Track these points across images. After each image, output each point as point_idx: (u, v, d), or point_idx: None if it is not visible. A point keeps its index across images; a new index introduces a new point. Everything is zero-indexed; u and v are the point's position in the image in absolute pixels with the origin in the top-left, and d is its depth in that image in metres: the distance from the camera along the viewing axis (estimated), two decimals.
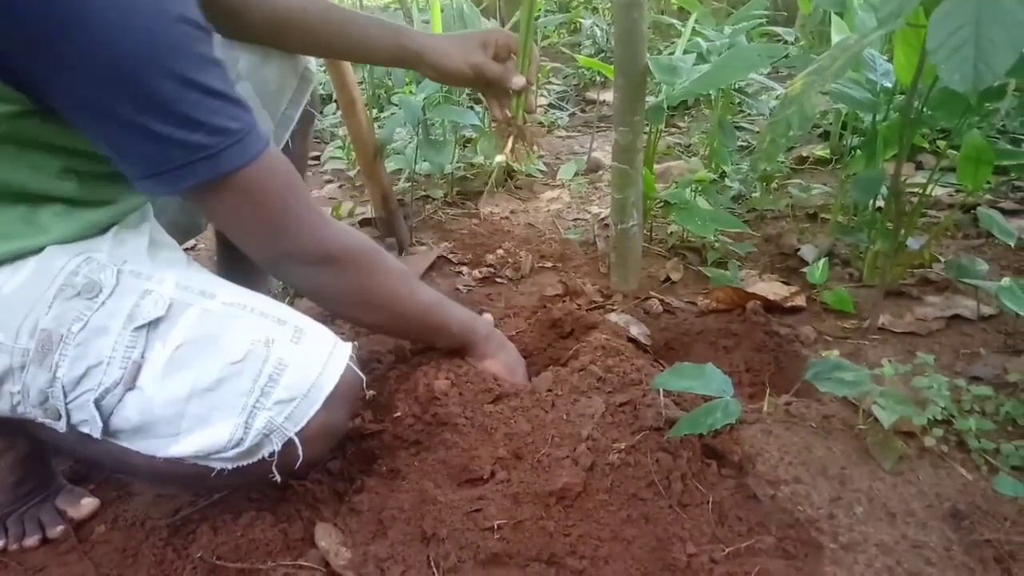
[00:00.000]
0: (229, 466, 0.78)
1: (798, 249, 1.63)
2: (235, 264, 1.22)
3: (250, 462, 0.78)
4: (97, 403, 0.74)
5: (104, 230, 0.80)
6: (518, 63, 1.03)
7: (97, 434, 0.75)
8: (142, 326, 0.75)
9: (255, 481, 0.83)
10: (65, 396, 0.74)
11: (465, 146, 2.33)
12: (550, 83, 3.31)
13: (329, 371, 0.79)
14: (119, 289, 0.76)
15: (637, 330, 1.27)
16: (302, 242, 0.83)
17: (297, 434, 0.77)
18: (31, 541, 0.88)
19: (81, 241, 0.78)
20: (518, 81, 1.02)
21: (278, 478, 0.79)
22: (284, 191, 0.79)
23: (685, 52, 1.71)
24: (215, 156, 0.71)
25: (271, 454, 0.77)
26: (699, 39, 1.92)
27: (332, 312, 0.98)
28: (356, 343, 0.86)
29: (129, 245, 0.81)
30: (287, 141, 1.15)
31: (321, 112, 3.06)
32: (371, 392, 1.10)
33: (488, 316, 1.23)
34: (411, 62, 1.04)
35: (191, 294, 0.79)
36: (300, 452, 0.77)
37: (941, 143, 1.91)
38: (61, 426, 0.76)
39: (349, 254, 0.88)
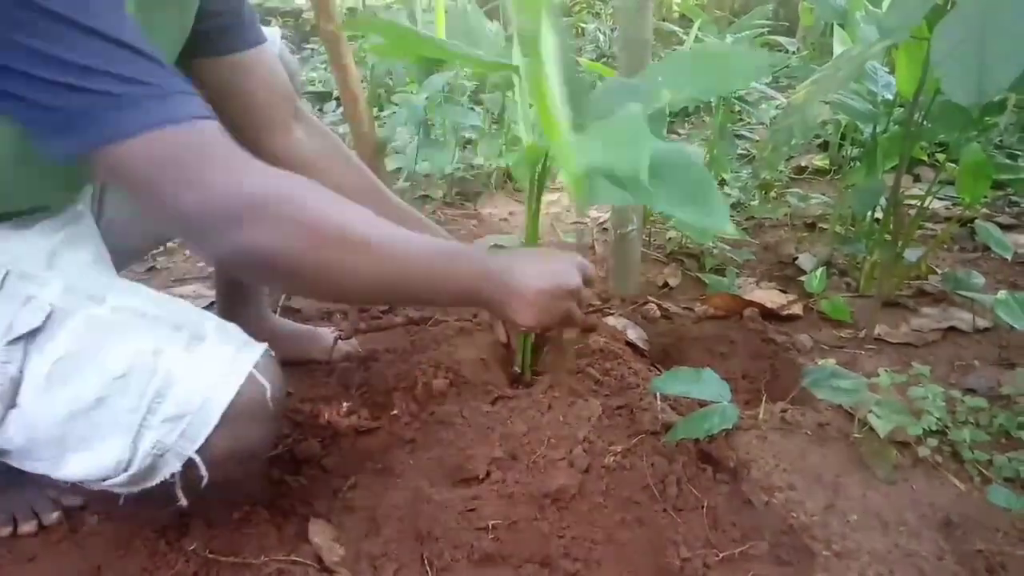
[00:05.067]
0: (125, 491, 0.72)
1: (796, 258, 1.64)
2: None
3: (149, 485, 0.71)
4: None
5: (31, 222, 0.75)
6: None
7: None
8: (18, 338, 0.68)
9: (163, 505, 0.74)
10: None
11: (465, 147, 2.33)
12: None
13: (226, 383, 0.70)
14: (1, 295, 0.69)
15: (635, 334, 1.27)
16: (221, 195, 0.65)
17: (198, 453, 0.69)
18: (27, 527, 0.87)
19: None
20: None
21: (183, 501, 0.72)
22: (206, 153, 0.65)
23: None
24: (126, 106, 0.60)
25: (172, 476, 0.70)
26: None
27: (287, 288, 0.83)
28: (272, 351, 0.75)
29: (35, 243, 0.74)
30: None
31: (322, 109, 3.07)
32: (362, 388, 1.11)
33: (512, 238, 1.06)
34: None
35: (77, 299, 0.71)
36: (203, 472, 0.70)
37: (940, 156, 1.92)
38: None
39: (280, 195, 0.68)
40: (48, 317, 0.70)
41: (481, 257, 0.83)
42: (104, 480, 0.71)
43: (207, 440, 0.70)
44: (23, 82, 0.59)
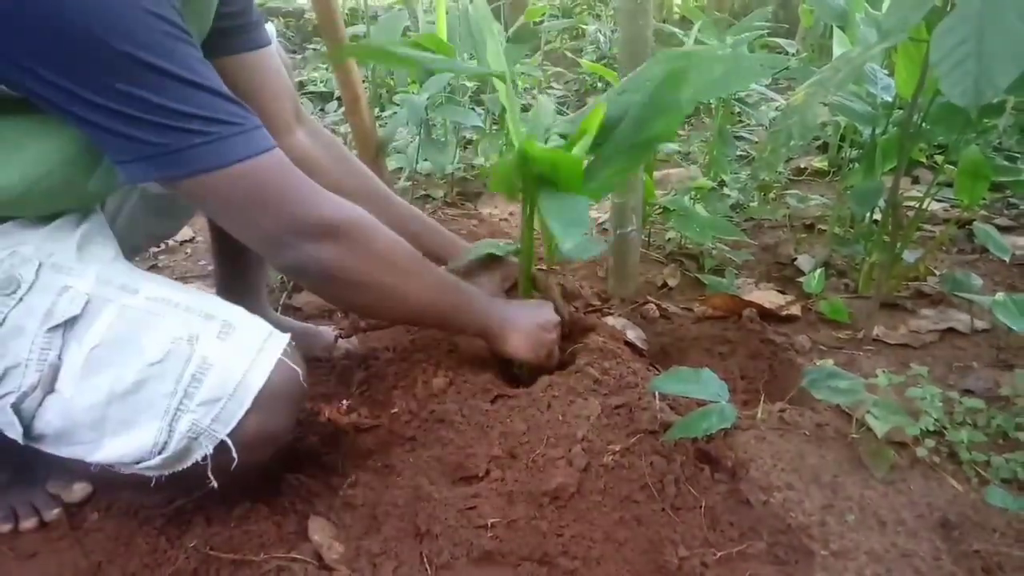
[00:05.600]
0: (157, 473, 0.74)
1: (795, 259, 1.64)
2: (232, 257, 1.22)
3: (181, 468, 0.74)
4: (16, 407, 0.71)
5: (48, 219, 0.78)
6: (520, 293, 1.09)
7: (19, 439, 0.72)
8: (57, 326, 0.71)
9: (195, 487, 0.78)
10: None
11: (466, 147, 2.34)
12: (551, 87, 3.33)
13: (258, 368, 0.74)
14: (38, 284, 0.73)
15: (634, 334, 1.27)
16: (299, 218, 0.78)
17: (230, 436, 0.73)
18: (28, 524, 0.88)
19: (8, 228, 0.75)
20: None
21: (214, 483, 0.74)
22: (285, 182, 0.77)
23: None
24: (214, 143, 0.70)
25: (204, 458, 0.73)
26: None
27: (335, 300, 0.94)
28: (292, 341, 0.79)
29: (60, 237, 0.78)
30: None
31: (323, 109, 3.07)
32: (363, 387, 1.11)
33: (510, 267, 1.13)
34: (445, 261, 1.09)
35: (112, 289, 0.75)
36: (234, 454, 0.73)
37: (939, 158, 1.93)
38: None
39: (349, 223, 0.82)
40: (86, 305, 0.73)
41: (488, 299, 1.00)
42: (138, 463, 0.73)
43: (238, 423, 0.73)
44: (123, 121, 0.67)
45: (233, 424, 0.73)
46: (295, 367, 0.77)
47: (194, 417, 0.72)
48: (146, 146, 0.68)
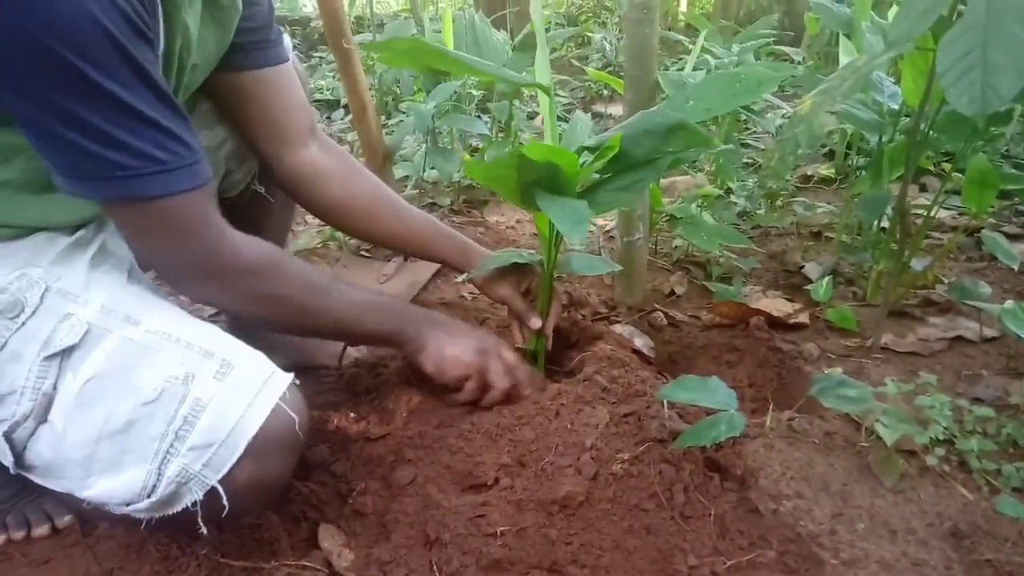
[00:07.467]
0: (146, 516, 0.73)
1: (802, 267, 1.64)
2: None
3: (171, 512, 0.72)
4: (8, 435, 0.70)
5: (67, 232, 0.78)
6: (539, 303, 1.10)
7: (10, 468, 0.72)
8: (55, 355, 0.70)
9: (187, 530, 0.76)
10: None
11: (473, 155, 2.34)
12: (557, 95, 3.34)
13: (253, 413, 0.71)
14: (41, 309, 0.71)
15: (641, 342, 1.27)
16: (206, 257, 0.79)
17: (221, 482, 0.70)
18: (41, 531, 0.88)
19: (27, 244, 0.75)
20: (535, 322, 1.07)
21: (204, 530, 0.72)
22: (196, 222, 0.76)
23: (694, 68, 1.73)
24: (134, 178, 0.69)
25: (194, 504, 0.71)
26: (708, 56, 1.94)
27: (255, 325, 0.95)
28: (296, 380, 0.78)
29: (71, 259, 0.77)
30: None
31: (330, 117, 3.09)
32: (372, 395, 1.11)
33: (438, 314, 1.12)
34: (464, 265, 1.11)
35: (114, 319, 0.73)
36: (224, 502, 0.71)
37: (946, 166, 1.93)
38: None
39: (255, 262, 0.83)
40: (85, 335, 0.71)
41: (413, 313, 1.01)
42: (127, 504, 0.72)
43: (230, 470, 0.71)
44: (53, 135, 0.66)
45: (224, 471, 0.70)
46: (293, 414, 0.75)
47: (184, 462, 0.70)
48: (68, 166, 0.68)
